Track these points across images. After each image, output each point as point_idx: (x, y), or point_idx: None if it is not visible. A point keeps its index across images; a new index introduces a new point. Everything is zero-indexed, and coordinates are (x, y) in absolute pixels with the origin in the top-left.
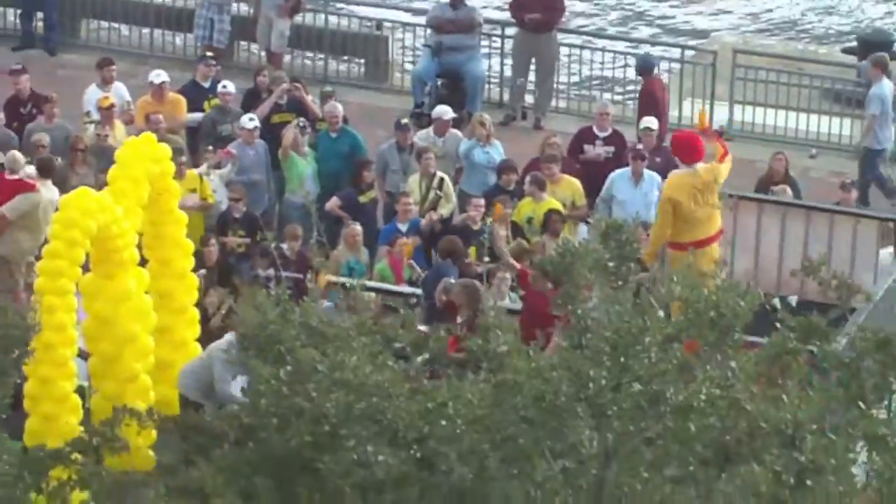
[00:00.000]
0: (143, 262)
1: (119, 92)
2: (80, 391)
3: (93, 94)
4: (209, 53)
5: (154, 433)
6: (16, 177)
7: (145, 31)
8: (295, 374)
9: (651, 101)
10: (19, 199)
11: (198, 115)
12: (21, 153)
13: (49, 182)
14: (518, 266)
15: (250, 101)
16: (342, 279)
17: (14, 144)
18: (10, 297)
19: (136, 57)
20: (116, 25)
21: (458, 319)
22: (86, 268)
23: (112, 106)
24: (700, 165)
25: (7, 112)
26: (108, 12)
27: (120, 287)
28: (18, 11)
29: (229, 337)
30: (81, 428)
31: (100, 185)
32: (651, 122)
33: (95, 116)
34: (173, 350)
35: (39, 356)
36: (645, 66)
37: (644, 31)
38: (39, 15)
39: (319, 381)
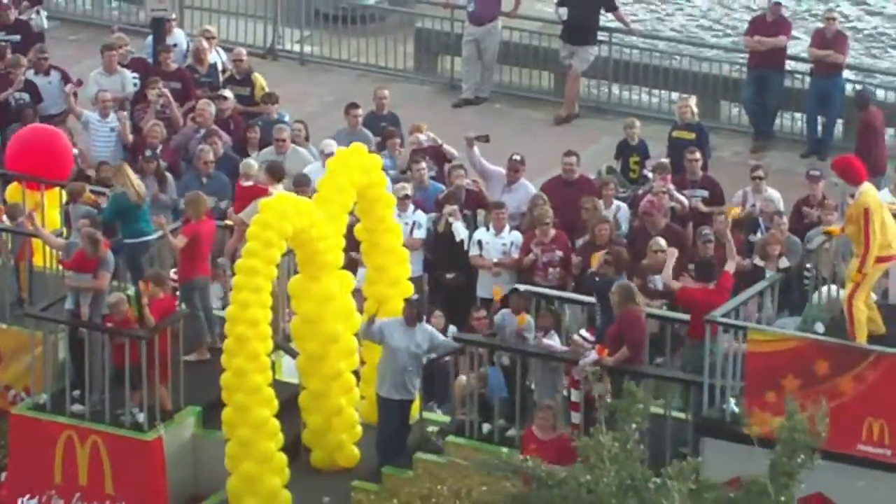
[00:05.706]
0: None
1: None
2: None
3: None
4: None
5: (360, 430)
6: (249, 183)
7: None
8: None
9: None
10: (255, 205)
11: None
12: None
13: (280, 186)
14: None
15: None
16: None
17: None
18: None
19: None
20: None
21: None
22: None
23: None
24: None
25: None
26: None
27: (324, 289)
28: None
29: None
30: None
31: None
32: None
33: None
34: None
35: (234, 349)
36: (864, 101)
37: None
38: None
39: None
